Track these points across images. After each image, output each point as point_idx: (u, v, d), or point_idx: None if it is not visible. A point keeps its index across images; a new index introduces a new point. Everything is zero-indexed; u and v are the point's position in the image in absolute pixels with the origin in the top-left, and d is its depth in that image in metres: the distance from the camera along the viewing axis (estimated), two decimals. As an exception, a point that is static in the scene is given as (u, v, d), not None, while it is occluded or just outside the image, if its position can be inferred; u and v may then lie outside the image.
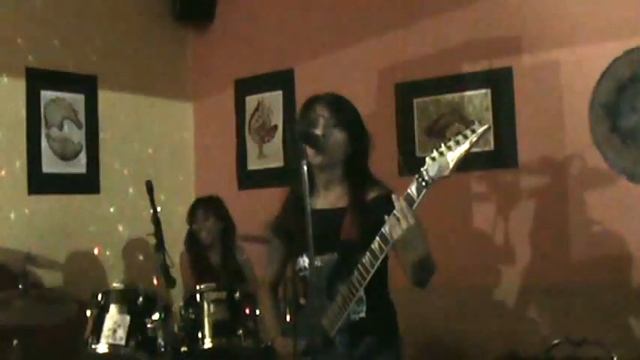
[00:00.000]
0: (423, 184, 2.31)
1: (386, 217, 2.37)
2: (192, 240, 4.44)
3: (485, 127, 2.25)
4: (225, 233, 4.41)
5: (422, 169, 2.32)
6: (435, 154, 2.30)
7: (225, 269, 4.34)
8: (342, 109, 2.74)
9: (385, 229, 2.40)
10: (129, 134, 5.00)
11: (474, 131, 2.25)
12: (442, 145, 2.28)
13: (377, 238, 2.43)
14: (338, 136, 2.69)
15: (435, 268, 2.53)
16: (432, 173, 2.30)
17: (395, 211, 2.34)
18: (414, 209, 2.34)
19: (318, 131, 2.65)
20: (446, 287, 3.79)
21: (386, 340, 2.69)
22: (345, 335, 2.60)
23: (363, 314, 2.64)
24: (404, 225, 2.32)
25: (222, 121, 5.20)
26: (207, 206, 4.43)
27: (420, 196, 2.34)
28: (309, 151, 2.62)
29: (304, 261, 2.72)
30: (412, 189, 2.35)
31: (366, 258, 2.46)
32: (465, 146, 2.26)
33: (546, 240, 3.95)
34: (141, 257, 4.86)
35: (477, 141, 2.25)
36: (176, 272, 3.98)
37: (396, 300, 2.80)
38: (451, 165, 2.27)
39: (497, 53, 4.09)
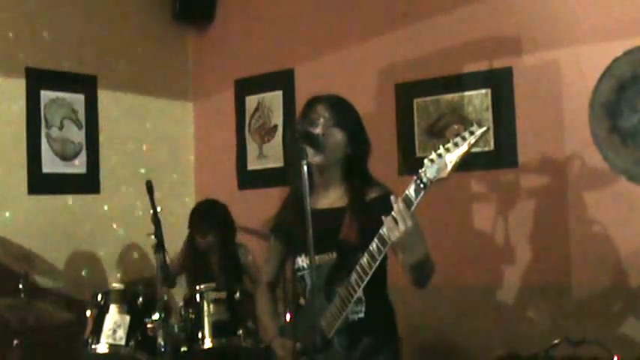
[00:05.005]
0: (421, 185, 2.32)
1: (383, 218, 2.37)
2: (191, 246, 4.38)
3: (483, 129, 2.26)
4: (224, 241, 4.35)
5: (420, 170, 2.32)
6: (433, 155, 2.30)
7: (223, 272, 4.31)
8: (342, 110, 2.75)
9: (383, 231, 2.40)
10: (129, 134, 5.00)
11: (472, 133, 2.26)
12: (441, 146, 2.29)
13: (375, 239, 2.43)
14: (337, 136, 2.70)
15: (433, 269, 2.54)
16: (430, 175, 2.31)
17: (393, 213, 2.34)
18: (412, 211, 2.34)
19: (318, 130, 2.67)
20: (446, 287, 3.80)
21: (385, 340, 2.69)
22: (343, 336, 2.60)
23: (362, 314, 2.65)
24: (402, 227, 2.33)
25: (222, 121, 5.20)
26: (208, 219, 4.29)
27: (418, 198, 2.34)
28: (309, 150, 2.62)
29: (303, 260, 2.73)
30: (410, 191, 2.35)
31: (365, 259, 2.47)
32: (463, 148, 2.26)
33: (546, 240, 3.95)
34: (140, 257, 4.86)
35: (475, 143, 2.26)
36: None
37: (396, 300, 2.81)
38: (449, 167, 2.28)
39: (497, 53, 4.09)
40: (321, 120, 2.70)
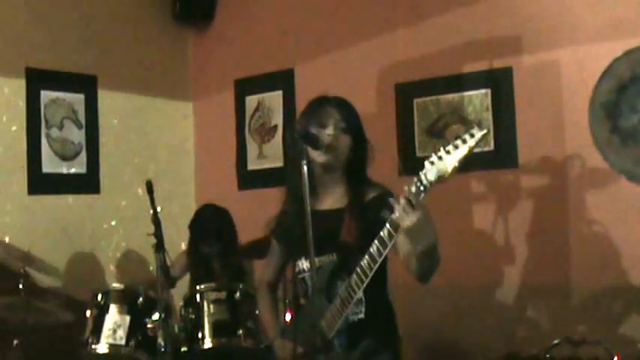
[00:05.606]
0: (422, 188, 2.32)
1: (395, 202, 2.36)
2: (193, 252, 4.36)
3: (483, 131, 2.26)
4: (226, 247, 4.28)
5: (421, 172, 2.32)
6: (434, 158, 2.30)
7: (225, 272, 4.30)
8: (350, 113, 2.77)
9: (384, 232, 2.40)
10: (129, 134, 5.00)
11: (472, 135, 2.26)
12: (441, 148, 2.29)
13: (375, 241, 2.43)
14: (344, 139, 2.71)
15: (439, 261, 2.52)
16: (430, 177, 2.31)
17: (402, 202, 2.33)
18: (420, 199, 2.33)
19: (330, 131, 2.67)
20: (446, 287, 3.80)
21: (385, 340, 2.69)
22: (343, 337, 2.60)
23: (362, 315, 2.65)
24: (412, 217, 2.31)
25: (222, 121, 5.20)
26: (209, 226, 4.26)
27: (419, 200, 2.34)
28: (315, 151, 2.63)
29: (303, 263, 2.73)
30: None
31: (365, 260, 2.47)
32: (463, 151, 2.27)
33: (546, 240, 3.95)
34: (141, 257, 4.86)
35: (475, 145, 2.26)
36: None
37: (396, 300, 2.81)
38: (450, 169, 2.28)
39: (497, 53, 4.09)
40: (332, 121, 2.71)
